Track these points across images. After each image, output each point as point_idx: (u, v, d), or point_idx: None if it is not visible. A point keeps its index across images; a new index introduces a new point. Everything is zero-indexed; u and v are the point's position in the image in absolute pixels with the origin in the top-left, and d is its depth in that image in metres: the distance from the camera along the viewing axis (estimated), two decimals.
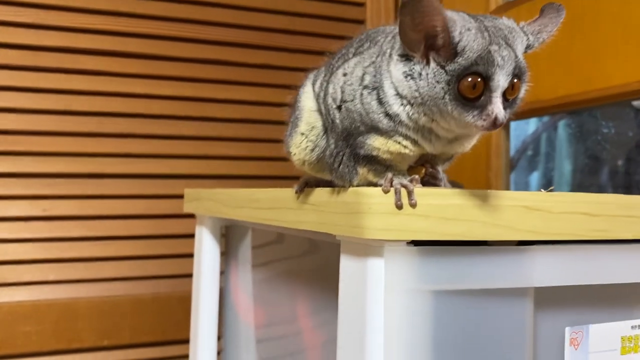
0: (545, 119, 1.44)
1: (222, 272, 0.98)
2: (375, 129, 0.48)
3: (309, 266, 0.79)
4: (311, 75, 0.59)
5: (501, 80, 0.43)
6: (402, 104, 0.47)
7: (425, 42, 0.45)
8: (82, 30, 1.15)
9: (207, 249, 0.93)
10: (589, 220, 0.51)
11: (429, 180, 0.53)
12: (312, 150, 0.55)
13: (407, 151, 0.49)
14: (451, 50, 0.44)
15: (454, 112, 0.44)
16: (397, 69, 0.46)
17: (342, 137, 0.51)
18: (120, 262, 1.20)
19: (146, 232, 1.21)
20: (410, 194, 0.45)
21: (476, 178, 1.33)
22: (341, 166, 0.52)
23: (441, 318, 0.48)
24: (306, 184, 0.57)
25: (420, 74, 0.45)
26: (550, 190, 0.51)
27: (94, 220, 1.18)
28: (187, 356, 1.04)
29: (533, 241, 0.51)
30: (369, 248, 0.47)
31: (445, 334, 0.49)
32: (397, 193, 0.45)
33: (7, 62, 1.11)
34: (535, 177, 1.53)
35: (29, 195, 1.12)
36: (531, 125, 1.47)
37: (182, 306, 1.21)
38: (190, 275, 0.99)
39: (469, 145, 0.52)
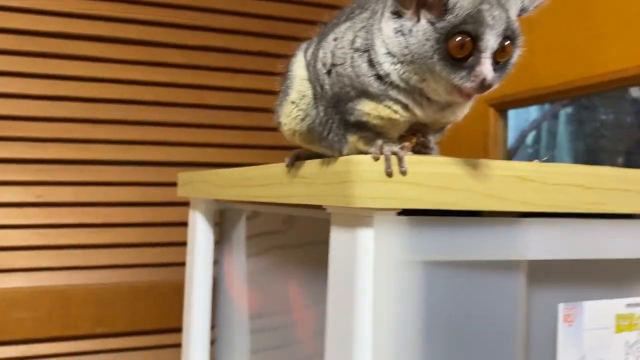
0: (546, 108, 1.43)
1: (216, 262, 0.97)
2: (365, 94, 0.48)
3: (305, 253, 0.78)
4: (303, 45, 0.58)
5: (491, 41, 0.42)
6: (392, 62, 0.46)
7: (418, 2, 0.44)
8: (78, 15, 1.15)
9: (200, 234, 0.92)
10: (584, 192, 0.50)
11: (420, 150, 0.52)
12: (303, 119, 0.54)
13: (397, 116, 0.48)
14: (442, 7, 0.43)
15: (442, 72, 0.43)
16: (387, 26, 0.46)
17: (331, 103, 0.50)
18: (115, 250, 1.20)
19: (141, 220, 1.21)
20: (400, 160, 0.44)
21: None
22: (330, 134, 0.51)
23: (432, 290, 0.48)
24: (297, 158, 0.56)
25: (410, 31, 0.44)
26: (545, 161, 0.50)
27: (88, 207, 1.17)
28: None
29: (527, 213, 0.50)
30: (359, 218, 0.46)
31: (436, 306, 0.48)
32: (387, 160, 0.44)
33: (1, 47, 1.10)
34: None
35: (23, 181, 1.12)
36: (531, 114, 1.46)
37: (178, 294, 1.20)
38: (185, 264, 0.98)
39: (461, 113, 0.51)
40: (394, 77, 0.46)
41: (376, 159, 0.44)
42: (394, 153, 0.44)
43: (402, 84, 0.46)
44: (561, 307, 0.55)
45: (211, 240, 0.93)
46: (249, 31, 1.28)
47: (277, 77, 0.60)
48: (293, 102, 0.55)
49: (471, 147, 1.34)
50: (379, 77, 0.47)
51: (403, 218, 0.46)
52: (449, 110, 0.49)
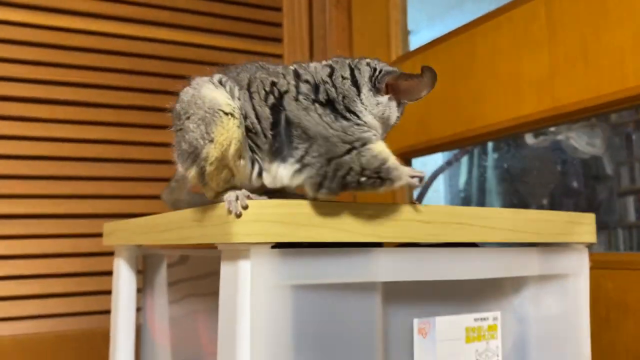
0: (448, 156, 1.59)
1: (139, 309, 1.04)
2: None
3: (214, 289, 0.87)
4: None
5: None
6: (372, 118, 0.66)
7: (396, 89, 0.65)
8: (9, 79, 1.23)
9: (123, 280, 1.00)
10: (424, 226, 0.63)
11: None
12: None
13: None
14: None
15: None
16: (368, 96, 0.65)
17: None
18: (45, 300, 1.25)
19: (71, 270, 1.27)
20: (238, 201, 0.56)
21: None
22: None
23: (300, 309, 0.58)
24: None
25: (387, 105, 0.66)
26: (417, 203, 0.63)
27: (19, 259, 1.22)
28: None
29: (379, 243, 0.62)
30: (240, 252, 0.57)
31: (304, 323, 0.59)
32: (230, 203, 0.56)
33: None
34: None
35: None
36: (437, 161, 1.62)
37: (106, 342, 1.26)
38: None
39: None
40: (372, 125, 0.65)
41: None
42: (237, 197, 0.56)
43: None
44: (416, 321, 0.66)
45: (134, 286, 1.00)
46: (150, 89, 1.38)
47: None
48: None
49: (381, 195, 1.48)
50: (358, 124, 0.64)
51: (274, 250, 0.57)
52: None
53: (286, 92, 0.64)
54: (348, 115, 0.63)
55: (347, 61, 0.67)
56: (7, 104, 1.22)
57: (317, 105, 0.63)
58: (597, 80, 0.99)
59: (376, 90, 0.65)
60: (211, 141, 0.61)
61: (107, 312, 1.25)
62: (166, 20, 1.42)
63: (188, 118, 0.63)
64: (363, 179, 0.60)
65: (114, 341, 1.00)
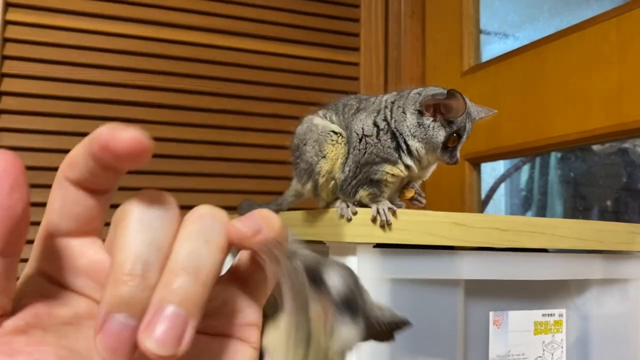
0: (510, 163, 1.68)
1: None
2: (386, 160, 0.74)
3: None
4: (314, 115, 0.81)
5: (463, 140, 0.74)
6: (415, 141, 0.73)
7: (435, 109, 0.73)
8: (118, 85, 1.40)
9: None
10: (501, 233, 0.74)
11: (417, 198, 0.77)
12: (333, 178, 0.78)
13: (403, 174, 0.75)
14: (448, 119, 0.72)
15: (439, 151, 0.74)
16: (412, 118, 0.73)
17: (360, 164, 0.75)
18: None
19: None
20: (393, 214, 0.69)
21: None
22: (348, 187, 0.76)
23: (397, 299, 0.70)
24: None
25: (429, 126, 0.73)
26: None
27: None
28: None
29: (462, 247, 0.73)
30: (348, 249, 0.70)
31: (400, 311, 0.71)
32: (382, 215, 0.68)
33: None
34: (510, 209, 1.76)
35: None
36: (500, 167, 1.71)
37: None
38: None
39: (430, 173, 0.79)
40: (414, 150, 0.73)
41: (374, 220, 0.68)
42: (390, 209, 0.69)
43: (416, 154, 0.74)
44: (491, 314, 0.77)
45: None
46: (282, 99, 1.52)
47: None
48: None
49: (451, 194, 1.58)
50: (396, 148, 0.73)
51: (376, 249, 0.69)
52: (426, 170, 0.78)
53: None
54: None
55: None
56: (121, 108, 1.39)
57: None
58: None
59: (419, 113, 0.74)
60: (324, 157, 0.74)
61: None
62: (253, 32, 1.57)
63: (305, 144, 0.76)
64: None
65: None
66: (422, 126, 0.73)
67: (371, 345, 0.72)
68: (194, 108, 1.47)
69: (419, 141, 0.73)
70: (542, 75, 1.32)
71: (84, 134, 0.27)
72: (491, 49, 1.59)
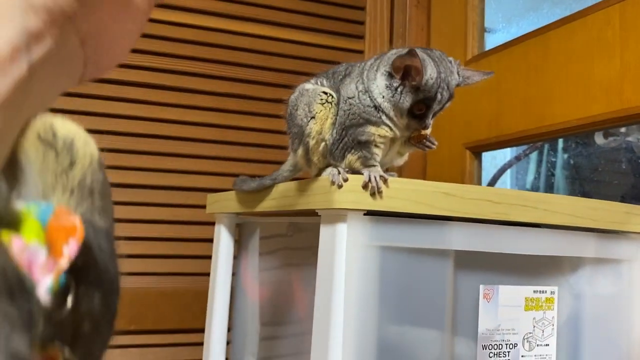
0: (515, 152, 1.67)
1: (234, 274, 1.19)
2: (368, 121, 0.73)
3: (306, 254, 1.01)
4: (307, 83, 0.81)
5: (435, 109, 0.71)
6: (383, 100, 0.73)
7: (405, 72, 0.71)
8: (131, 67, 1.41)
9: (223, 244, 1.15)
10: (493, 205, 0.74)
11: (425, 143, 0.77)
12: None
13: (389, 134, 0.74)
14: (417, 84, 0.70)
15: (406, 117, 0.72)
16: (381, 80, 0.73)
17: (345, 127, 0.75)
18: (147, 260, 1.43)
19: (170, 235, 1.44)
20: (385, 182, 0.68)
21: None
22: (336, 151, 0.75)
23: (386, 267, 0.71)
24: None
25: (396, 89, 0.72)
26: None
27: (128, 223, 1.41)
28: (201, 343, 1.24)
29: (453, 217, 0.73)
30: (338, 217, 0.70)
31: (388, 280, 0.71)
32: (373, 182, 0.68)
33: None
34: None
35: None
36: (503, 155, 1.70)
37: (197, 300, 1.42)
38: (204, 274, 1.20)
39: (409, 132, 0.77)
40: (384, 109, 0.72)
41: (365, 186, 0.68)
42: (381, 176, 0.68)
43: (389, 114, 0.73)
44: (482, 287, 0.77)
45: (231, 251, 1.16)
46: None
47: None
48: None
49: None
50: (376, 108, 0.72)
51: (366, 217, 0.70)
52: (407, 131, 0.76)
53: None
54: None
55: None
56: (127, 88, 1.41)
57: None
58: None
59: (389, 75, 0.72)
60: (313, 117, 0.75)
61: (200, 274, 1.42)
62: (258, 17, 1.57)
63: (296, 109, 0.77)
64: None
65: (211, 299, 1.15)
66: (389, 88, 0.72)
67: (358, 315, 0.73)
68: (196, 90, 1.48)
69: (388, 102, 0.72)
70: (544, 63, 1.32)
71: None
72: (495, 37, 1.59)
